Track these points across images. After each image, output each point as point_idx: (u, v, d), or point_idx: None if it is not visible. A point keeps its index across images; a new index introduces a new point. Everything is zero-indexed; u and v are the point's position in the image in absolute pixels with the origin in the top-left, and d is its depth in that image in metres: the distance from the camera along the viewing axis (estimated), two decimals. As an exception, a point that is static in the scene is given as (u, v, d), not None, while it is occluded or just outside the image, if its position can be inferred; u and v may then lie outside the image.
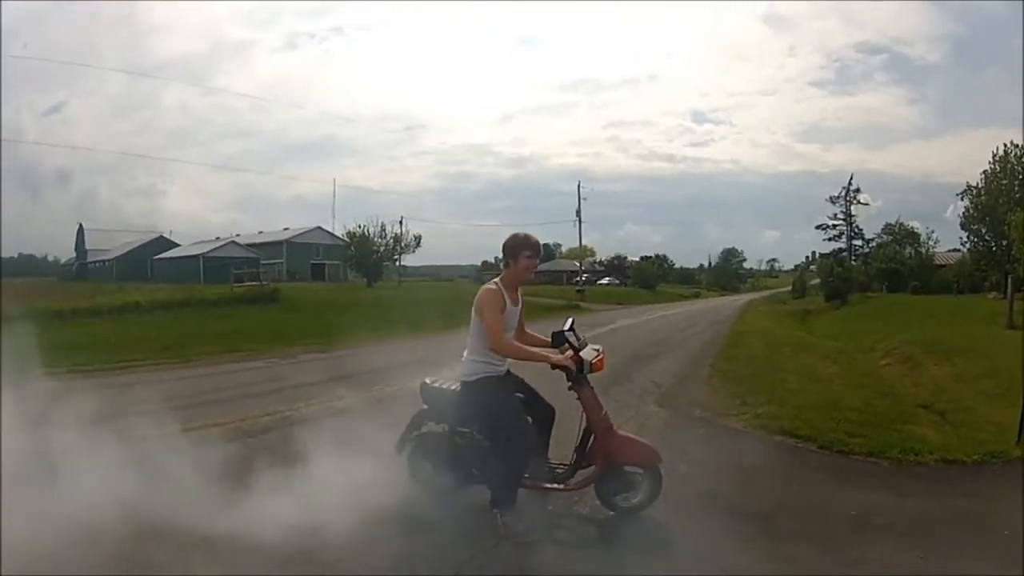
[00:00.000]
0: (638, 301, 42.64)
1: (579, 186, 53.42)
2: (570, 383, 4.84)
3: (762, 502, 5.52)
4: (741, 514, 5.17)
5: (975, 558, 4.51)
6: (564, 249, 70.67)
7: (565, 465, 5.06)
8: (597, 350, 4.97)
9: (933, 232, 48.63)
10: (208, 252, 52.57)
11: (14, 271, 41.96)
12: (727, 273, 72.08)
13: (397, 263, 51.75)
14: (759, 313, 33.74)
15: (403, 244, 50.30)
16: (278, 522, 4.52)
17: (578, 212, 51.93)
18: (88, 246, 58.86)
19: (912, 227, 49.62)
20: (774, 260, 77.03)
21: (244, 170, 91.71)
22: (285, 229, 60.19)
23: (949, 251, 46.69)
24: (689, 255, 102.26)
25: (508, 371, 5.04)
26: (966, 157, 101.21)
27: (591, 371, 4.82)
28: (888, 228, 50.86)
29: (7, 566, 3.75)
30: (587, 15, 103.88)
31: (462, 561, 4.28)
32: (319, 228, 58.73)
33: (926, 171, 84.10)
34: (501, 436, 4.80)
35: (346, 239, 49.66)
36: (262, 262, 49.94)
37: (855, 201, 52.28)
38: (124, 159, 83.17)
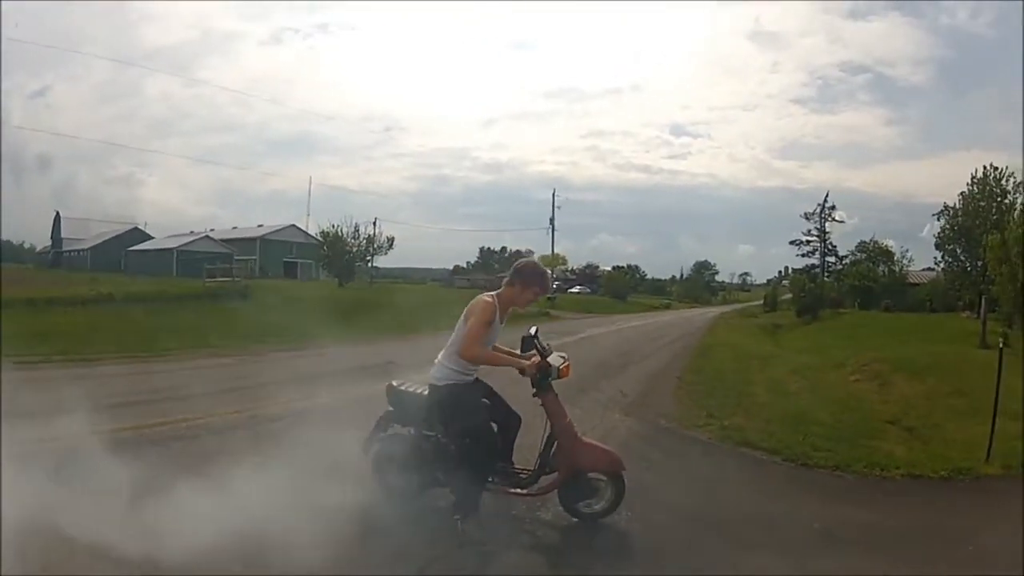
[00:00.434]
0: (609, 311, 42.65)
1: (553, 194, 54.01)
2: (535, 390, 4.85)
3: (724, 512, 5.49)
4: (703, 523, 5.17)
5: (941, 571, 4.50)
6: (536, 257, 70.58)
7: (529, 470, 5.05)
8: (563, 357, 4.97)
9: (908, 251, 49.02)
10: (182, 246, 52.26)
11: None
12: (699, 285, 72.44)
13: (370, 264, 51.35)
14: (729, 326, 33.93)
15: (376, 245, 49.90)
16: (208, 528, 4.24)
17: (551, 220, 52.13)
18: (64, 235, 58.33)
19: (886, 245, 50.05)
20: (747, 274, 77.57)
21: (223, 164, 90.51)
22: (260, 226, 59.78)
23: (923, 270, 47.21)
24: (662, 266, 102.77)
25: (476, 378, 5.03)
26: (946, 178, 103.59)
27: (559, 377, 4.83)
28: (862, 246, 51.35)
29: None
30: (576, 24, 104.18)
31: (422, 564, 4.25)
32: (293, 226, 58.40)
33: (905, 191, 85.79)
34: (465, 441, 4.81)
35: (320, 238, 49.35)
36: (236, 258, 49.51)
37: (830, 218, 52.58)
38: (105, 147, 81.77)
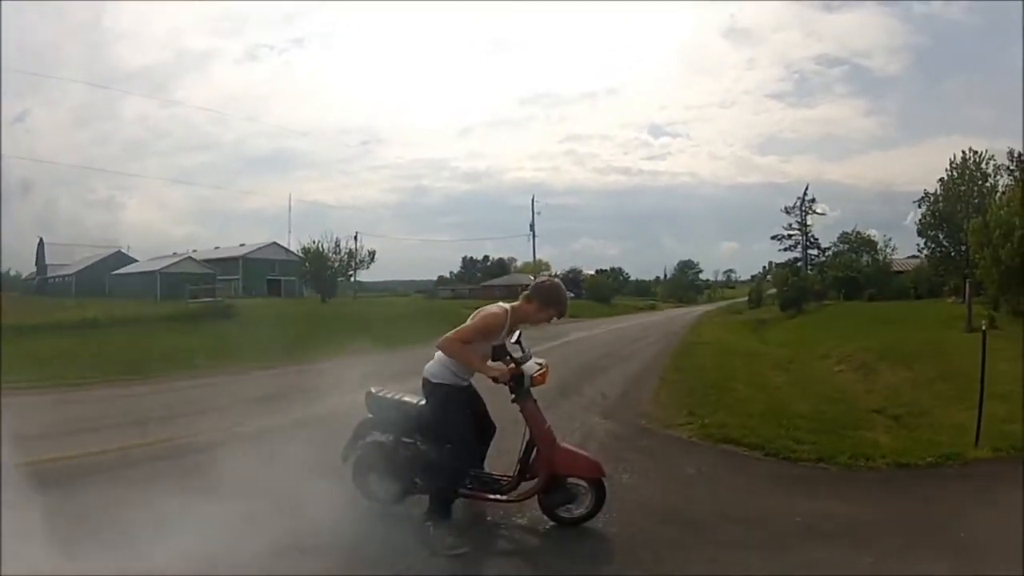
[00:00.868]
0: (593, 314, 42.48)
1: (533, 200, 54.03)
2: (514, 396, 4.82)
3: (704, 510, 5.37)
4: (681, 522, 5.09)
5: (928, 560, 4.37)
6: (519, 263, 70.32)
7: (509, 477, 5.02)
8: (540, 364, 4.92)
9: (891, 240, 49.37)
10: (165, 268, 51.67)
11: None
12: (683, 285, 72.31)
13: (352, 279, 51.12)
14: (713, 324, 34.01)
15: (357, 260, 49.66)
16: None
17: (532, 226, 52.04)
18: (48, 261, 57.71)
19: (869, 235, 50.37)
20: (731, 271, 77.49)
21: (200, 184, 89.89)
22: (241, 245, 59.36)
23: (908, 258, 47.51)
24: (645, 267, 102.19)
25: (469, 384, 5.00)
26: (926, 166, 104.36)
27: (533, 385, 4.80)
28: (844, 237, 51.59)
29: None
30: (549, 28, 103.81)
31: (394, 574, 4.18)
32: (275, 244, 57.98)
33: (885, 180, 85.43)
34: (444, 444, 4.82)
35: (301, 255, 49.06)
36: (219, 278, 49.46)
37: (811, 211, 52.92)
38: (83, 171, 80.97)
